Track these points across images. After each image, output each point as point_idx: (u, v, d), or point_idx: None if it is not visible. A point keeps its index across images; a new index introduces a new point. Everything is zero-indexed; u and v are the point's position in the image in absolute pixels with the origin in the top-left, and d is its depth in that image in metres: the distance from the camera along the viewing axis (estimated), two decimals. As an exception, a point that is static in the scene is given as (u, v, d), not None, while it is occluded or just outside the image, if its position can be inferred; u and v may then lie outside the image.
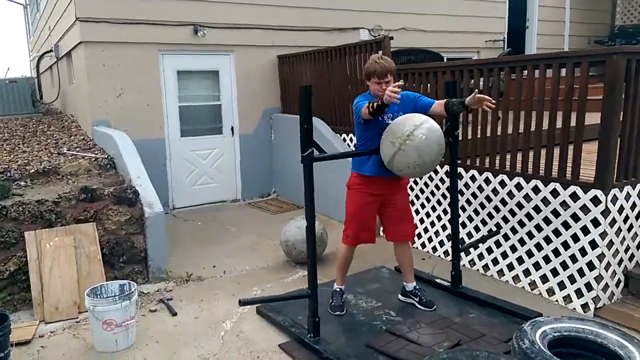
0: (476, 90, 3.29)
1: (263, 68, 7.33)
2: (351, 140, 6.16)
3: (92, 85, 6.27)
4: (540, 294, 3.96)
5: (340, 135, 6.31)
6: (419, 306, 3.75)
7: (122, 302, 3.34)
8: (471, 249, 4.51)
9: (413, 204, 5.22)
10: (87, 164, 5.36)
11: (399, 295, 3.93)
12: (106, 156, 5.58)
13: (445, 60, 6.97)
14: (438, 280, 4.14)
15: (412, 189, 5.22)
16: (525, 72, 4.04)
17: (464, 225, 4.60)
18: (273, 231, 5.72)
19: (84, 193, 4.39)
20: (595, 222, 3.56)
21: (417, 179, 5.13)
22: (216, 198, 7.21)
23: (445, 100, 3.44)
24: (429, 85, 5.02)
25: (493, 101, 3.18)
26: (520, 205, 4.12)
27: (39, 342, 3.48)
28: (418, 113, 3.35)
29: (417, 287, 3.85)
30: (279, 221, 6.08)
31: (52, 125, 7.26)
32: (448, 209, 4.77)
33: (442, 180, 4.84)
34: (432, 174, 4.94)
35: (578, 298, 3.69)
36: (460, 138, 4.18)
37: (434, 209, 4.98)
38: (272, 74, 7.43)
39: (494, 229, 4.36)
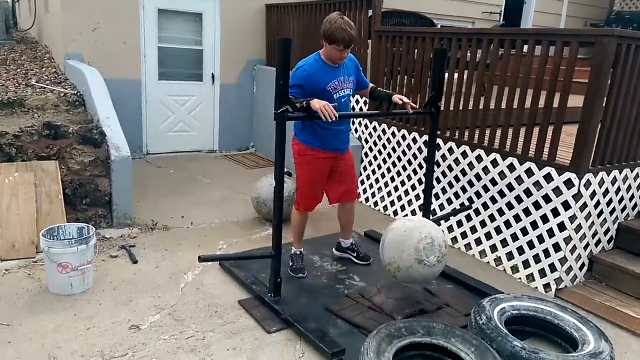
0: (404, 98, 3.47)
1: (250, 16, 7.03)
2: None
3: (66, 17, 5.92)
4: (504, 270, 3.99)
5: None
6: (357, 261, 3.91)
7: (79, 245, 3.24)
8: (442, 222, 4.49)
9: (389, 171, 5.16)
10: (56, 99, 5.12)
11: (334, 251, 4.00)
12: (76, 92, 5.33)
13: (439, 27, 6.78)
14: (405, 250, 4.11)
15: (389, 156, 5.15)
16: (514, 49, 3.93)
17: (437, 197, 4.57)
18: (247, 186, 5.62)
19: (47, 129, 4.20)
20: (567, 205, 3.56)
21: (396, 149, 5.05)
22: (192, 147, 7.04)
23: (373, 87, 3.68)
24: (416, 51, 4.87)
25: (415, 106, 3.44)
26: (494, 182, 4.09)
27: (-9, 280, 3.38)
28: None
29: (354, 243, 3.98)
30: (254, 177, 5.97)
31: (25, 55, 6.89)
32: (423, 179, 4.74)
33: (420, 150, 4.77)
34: (411, 143, 4.87)
35: (541, 278, 3.72)
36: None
37: (409, 178, 4.93)
38: (259, 24, 7.14)
39: (467, 203, 4.34)
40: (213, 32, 6.85)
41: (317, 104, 2.99)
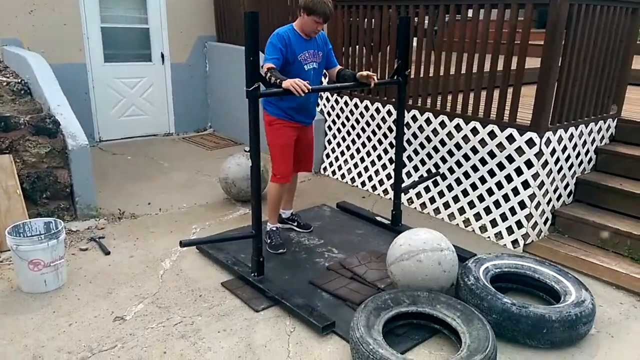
0: (367, 72, 3.47)
1: (196, -9, 6.78)
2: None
3: (-2, -1, 5.51)
4: (473, 230, 4.16)
5: (280, 69, 6.05)
6: (298, 229, 4.04)
7: (49, 241, 3.10)
8: (410, 189, 4.59)
9: (354, 142, 5.20)
10: (-2, 88, 4.78)
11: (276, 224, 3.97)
12: (19, 80, 4.99)
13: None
14: (378, 218, 4.21)
15: (353, 128, 5.18)
16: (470, 13, 4.01)
17: (402, 165, 4.65)
18: (210, 167, 5.54)
19: (-4, 121, 3.93)
20: (529, 164, 3.73)
21: (359, 120, 5.08)
22: (147, 131, 6.80)
23: (340, 68, 3.70)
24: (373, 20, 4.87)
25: (376, 78, 3.45)
26: (458, 146, 4.21)
27: (-45, 284, 3.19)
28: None
29: (294, 213, 4.12)
30: (216, 157, 5.89)
31: (-49, 43, 6.36)
32: (388, 149, 4.82)
33: (383, 119, 4.83)
34: (374, 113, 4.91)
35: (509, 235, 3.91)
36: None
37: (374, 148, 4.99)
38: (207, -2, 6.90)
39: (433, 169, 4.46)
40: (158, 8, 6.56)
41: (286, 82, 2.98)
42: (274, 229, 3.80)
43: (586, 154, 4.15)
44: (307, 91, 3.00)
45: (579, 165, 4.12)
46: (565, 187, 4.05)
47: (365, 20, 4.95)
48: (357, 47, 5.09)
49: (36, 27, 5.72)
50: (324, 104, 5.52)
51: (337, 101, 5.33)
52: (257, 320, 2.95)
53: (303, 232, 4.03)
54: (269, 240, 3.74)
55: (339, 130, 5.38)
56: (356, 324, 2.56)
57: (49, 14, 5.77)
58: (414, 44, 4.53)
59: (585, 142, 4.10)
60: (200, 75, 7.06)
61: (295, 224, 4.09)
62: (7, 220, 3.57)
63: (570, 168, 4.03)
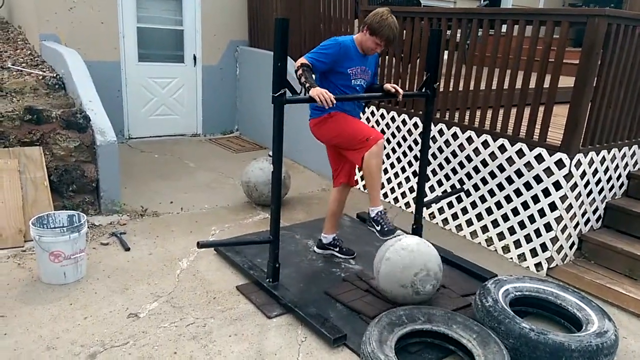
0: (393, 85, 3.41)
1: (232, -5, 6.87)
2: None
3: (40, -5, 5.68)
4: (495, 250, 4.06)
5: (309, 76, 6.06)
6: (340, 255, 3.75)
7: (71, 233, 3.15)
8: (433, 204, 4.52)
9: (378, 153, 5.15)
10: (34, 81, 4.92)
11: (315, 249, 3.83)
12: (55, 75, 5.13)
13: (421, 7, 6.74)
14: (398, 232, 4.13)
15: (378, 137, 5.14)
16: (504, 28, 3.94)
17: (426, 179, 4.59)
18: (234, 170, 5.57)
19: (29, 113, 4.04)
20: (557, 185, 3.62)
21: (384, 130, 5.04)
22: (175, 131, 6.90)
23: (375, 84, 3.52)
24: (404, 31, 4.83)
25: (401, 91, 3.35)
26: (485, 163, 4.13)
27: (-21, 271, 3.27)
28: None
29: (336, 237, 3.80)
30: (241, 160, 5.93)
31: (-5, 36, 6.60)
32: (412, 162, 4.76)
33: (409, 132, 4.77)
34: (400, 124, 4.86)
35: (532, 257, 3.80)
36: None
37: (398, 160, 4.94)
38: (241, 3, 6.97)
39: (457, 184, 4.38)
40: (193, 11, 6.67)
41: (314, 91, 2.93)
42: (382, 211, 3.26)
43: (617, 178, 4.02)
44: (332, 105, 2.94)
45: (610, 189, 3.99)
46: (594, 212, 3.92)
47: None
48: (387, 57, 5.06)
49: (74, 24, 5.88)
50: (351, 113, 5.49)
51: (363, 111, 5.30)
52: (269, 327, 2.93)
53: (345, 257, 3.75)
54: (378, 227, 3.24)
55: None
56: (368, 338, 2.52)
57: (88, 12, 5.93)
58: (445, 56, 4.48)
59: (617, 167, 3.97)
60: (231, 78, 7.14)
61: (337, 249, 3.77)
62: (33, 211, 3.66)
63: (600, 192, 3.90)
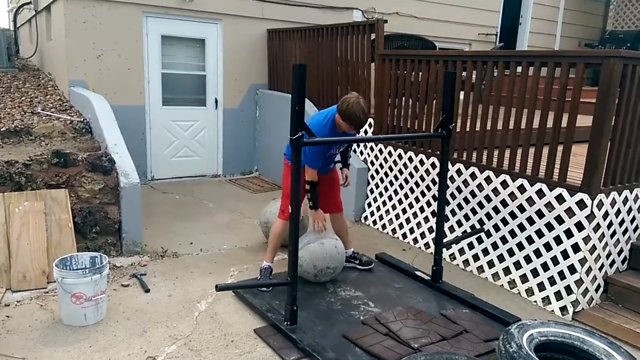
0: (346, 174, 4.07)
1: (252, 41, 7.10)
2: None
3: (70, 44, 5.97)
4: (519, 293, 3.97)
5: (327, 117, 6.16)
6: (360, 267, 4.19)
7: (93, 275, 3.20)
8: (453, 245, 4.48)
9: (396, 193, 5.16)
10: (62, 126, 5.12)
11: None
12: (82, 119, 5.33)
13: (437, 50, 6.87)
14: (418, 273, 4.10)
15: (396, 178, 5.16)
16: (519, 69, 3.99)
17: (445, 219, 4.56)
18: (253, 210, 5.61)
19: (56, 157, 4.18)
20: (580, 226, 3.56)
21: (402, 171, 5.06)
22: (196, 172, 7.03)
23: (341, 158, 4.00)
24: (420, 73, 4.92)
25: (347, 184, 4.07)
26: (504, 203, 4.10)
27: (4, 312, 3.32)
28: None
29: (354, 251, 4.26)
30: (260, 200, 5.98)
31: (28, 82, 6.90)
32: (431, 201, 4.75)
33: (427, 171, 4.78)
34: (418, 165, 4.88)
35: (557, 300, 3.70)
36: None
37: (417, 200, 4.93)
38: (261, 48, 7.21)
39: (477, 224, 4.34)
40: (215, 57, 6.91)
41: (315, 213, 3.74)
42: (267, 266, 3.85)
43: (642, 218, 3.94)
44: (323, 230, 3.81)
45: (634, 230, 3.91)
46: (619, 253, 3.83)
47: (413, 72, 5.01)
48: (404, 98, 5.14)
49: (102, 71, 6.14)
50: (368, 153, 5.55)
51: (380, 151, 5.35)
52: (287, 371, 2.89)
53: (364, 268, 4.19)
54: (259, 277, 3.82)
55: (381, 179, 5.37)
56: (388, 384, 2.46)
57: (115, 59, 6.19)
58: (461, 97, 4.53)
59: (641, 206, 3.90)
60: (250, 120, 7.30)
61: (357, 262, 4.21)
62: (57, 252, 3.73)
63: (624, 233, 3.82)
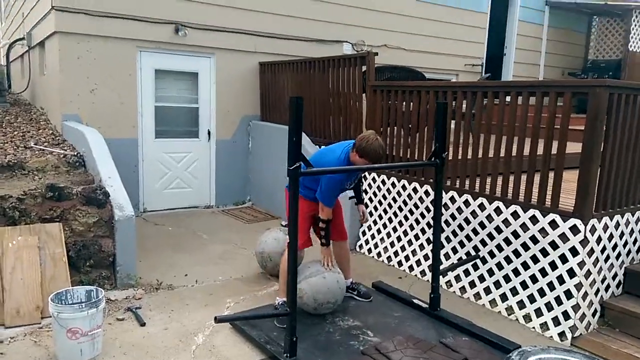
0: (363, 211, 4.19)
1: (244, 73, 7.22)
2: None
3: (64, 79, 6.02)
4: (517, 319, 3.97)
5: (320, 147, 6.23)
6: (358, 298, 4.17)
7: (89, 309, 3.15)
8: (449, 272, 4.49)
9: (391, 221, 5.19)
10: (55, 160, 5.12)
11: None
12: (75, 153, 5.34)
13: (426, 80, 7.03)
14: (416, 301, 4.10)
15: (390, 206, 5.20)
16: (508, 98, 4.10)
17: (441, 246, 4.58)
18: (247, 240, 5.60)
19: (50, 191, 4.17)
20: (574, 251, 3.61)
21: (396, 199, 5.11)
22: (189, 203, 7.02)
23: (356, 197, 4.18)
24: (411, 103, 5.03)
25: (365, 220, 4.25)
26: (499, 230, 4.14)
27: (-4, 349, 3.25)
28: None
29: (353, 281, 4.27)
30: (254, 230, 5.97)
31: (20, 117, 6.92)
32: (426, 229, 4.78)
33: (421, 199, 4.84)
34: (412, 193, 4.94)
35: (555, 326, 3.72)
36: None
37: (411, 227, 4.96)
38: (253, 81, 7.33)
39: (472, 251, 4.37)
40: (208, 90, 7.00)
41: (324, 250, 3.80)
42: (282, 302, 3.78)
43: (634, 243, 4.00)
44: (330, 268, 3.81)
45: (627, 254, 3.96)
46: (614, 278, 3.87)
47: (404, 103, 5.11)
48: (395, 128, 5.23)
49: (95, 105, 6.18)
50: (361, 181, 5.58)
51: (374, 179, 5.40)
52: (288, 404, 2.84)
53: (362, 300, 4.16)
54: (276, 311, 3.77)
55: (375, 208, 5.40)
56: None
57: (109, 93, 6.25)
58: (452, 126, 4.62)
59: (632, 231, 3.96)
60: (243, 151, 7.35)
61: (356, 292, 4.19)
62: (51, 287, 3.68)
63: (617, 257, 3.87)
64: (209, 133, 7.06)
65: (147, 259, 4.92)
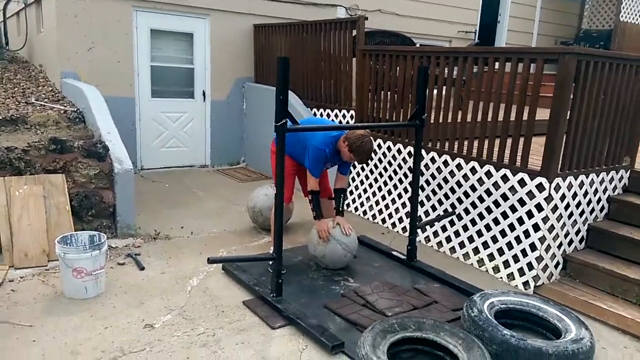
0: (342, 222, 4.14)
1: (238, 35, 7.35)
2: (321, 115, 6.34)
3: (61, 36, 6.16)
4: (487, 270, 4.32)
5: (311, 110, 6.46)
6: None
7: (93, 251, 3.46)
8: (427, 227, 4.82)
9: (376, 181, 5.48)
10: (56, 115, 5.33)
11: None
12: (75, 109, 5.54)
13: (417, 46, 7.19)
14: (395, 253, 4.43)
15: (376, 167, 5.48)
16: (486, 66, 4.32)
17: (421, 204, 4.89)
18: (240, 198, 5.89)
19: (53, 144, 4.41)
20: (539, 207, 3.91)
21: (382, 159, 5.38)
22: (184, 162, 7.27)
23: (341, 187, 4.16)
24: (398, 67, 5.22)
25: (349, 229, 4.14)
26: (473, 188, 4.43)
27: (9, 286, 3.56)
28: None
29: None
30: (247, 189, 6.24)
31: (19, 74, 7.06)
32: (408, 188, 5.08)
33: (404, 160, 5.11)
34: (396, 153, 5.20)
35: (520, 276, 4.06)
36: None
37: (395, 187, 5.25)
38: (247, 43, 7.46)
39: (450, 209, 4.68)
40: (203, 51, 7.15)
41: (319, 223, 3.98)
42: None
43: (598, 201, 4.31)
44: (325, 239, 3.96)
45: (591, 212, 4.27)
46: (577, 233, 4.19)
47: (391, 67, 5.31)
48: (382, 92, 5.45)
49: (93, 63, 6.34)
50: (350, 144, 5.84)
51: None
52: (273, 336, 3.18)
53: None
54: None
55: (362, 168, 5.68)
56: (362, 342, 2.77)
57: (106, 52, 6.40)
58: (435, 91, 4.85)
59: (596, 191, 4.26)
60: (237, 112, 7.56)
61: None
62: (56, 233, 3.97)
63: (581, 214, 4.18)
64: (203, 94, 7.24)
65: (145, 212, 5.21)
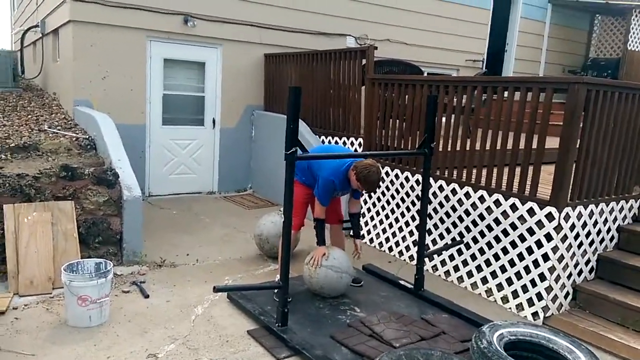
0: (357, 246, 4.25)
1: (249, 64, 7.48)
2: (329, 142, 6.37)
3: (77, 65, 6.30)
4: (495, 301, 4.24)
5: (319, 137, 6.50)
6: (351, 284, 4.24)
7: (99, 279, 3.45)
8: (435, 256, 4.76)
9: (383, 209, 5.46)
10: (68, 142, 5.41)
11: None
12: (87, 137, 5.63)
13: (425, 74, 7.25)
14: (402, 282, 4.37)
15: (383, 194, 5.46)
16: (495, 94, 4.34)
17: (429, 232, 4.85)
18: (247, 225, 5.88)
19: (64, 171, 4.46)
20: (549, 237, 3.86)
21: (389, 187, 5.37)
22: (192, 189, 7.31)
23: (357, 212, 4.27)
24: (407, 96, 5.26)
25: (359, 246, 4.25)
26: (482, 217, 4.40)
27: (13, 314, 3.56)
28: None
29: None
30: (253, 216, 6.24)
31: (33, 102, 7.22)
32: (415, 216, 5.04)
33: (412, 188, 5.09)
34: (404, 181, 5.19)
35: (529, 307, 3.98)
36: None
37: (402, 215, 5.22)
38: (258, 71, 7.58)
39: (457, 237, 4.63)
40: (214, 79, 7.27)
41: (317, 250, 4.00)
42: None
43: (607, 231, 4.24)
44: (316, 267, 3.94)
45: (600, 242, 4.21)
46: (587, 263, 4.12)
47: (400, 96, 5.35)
48: (391, 120, 5.47)
49: (107, 91, 6.46)
50: (358, 172, 5.84)
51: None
52: (277, 368, 3.13)
53: (354, 285, 4.27)
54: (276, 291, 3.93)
55: (369, 196, 5.66)
56: (368, 376, 2.71)
57: (120, 80, 6.53)
58: (443, 119, 4.86)
59: (606, 220, 4.21)
60: (246, 139, 7.62)
61: None
62: (62, 260, 3.98)
63: (591, 244, 4.12)
64: (213, 121, 7.33)
65: (151, 239, 5.21)
